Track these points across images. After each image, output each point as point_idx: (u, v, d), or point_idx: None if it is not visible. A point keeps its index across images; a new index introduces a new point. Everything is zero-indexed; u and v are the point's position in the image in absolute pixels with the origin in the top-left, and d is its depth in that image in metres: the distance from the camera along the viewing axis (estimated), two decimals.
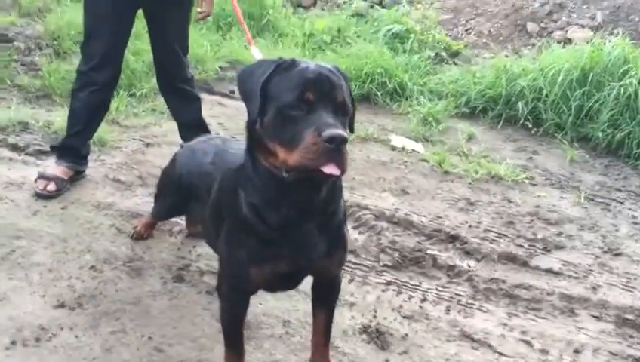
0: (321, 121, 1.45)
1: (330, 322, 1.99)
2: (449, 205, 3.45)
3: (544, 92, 4.72)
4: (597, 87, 4.63)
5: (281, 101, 1.51)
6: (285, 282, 1.82)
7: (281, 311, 2.38)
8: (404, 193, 3.52)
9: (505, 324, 2.44)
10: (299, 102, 1.48)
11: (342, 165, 1.44)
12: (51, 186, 3.02)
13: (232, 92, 4.97)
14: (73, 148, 3.15)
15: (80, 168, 3.22)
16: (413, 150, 4.19)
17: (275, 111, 1.51)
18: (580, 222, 3.38)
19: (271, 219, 1.64)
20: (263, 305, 2.41)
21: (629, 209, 3.60)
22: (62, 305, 2.31)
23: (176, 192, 2.29)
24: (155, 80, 3.94)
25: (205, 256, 2.70)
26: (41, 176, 3.07)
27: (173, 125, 4.07)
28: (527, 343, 2.34)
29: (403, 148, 4.17)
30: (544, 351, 2.30)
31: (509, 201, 3.56)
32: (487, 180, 3.80)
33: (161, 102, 4.40)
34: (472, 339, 2.33)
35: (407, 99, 4.98)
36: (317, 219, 1.68)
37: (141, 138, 3.90)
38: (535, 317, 2.50)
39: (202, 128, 3.43)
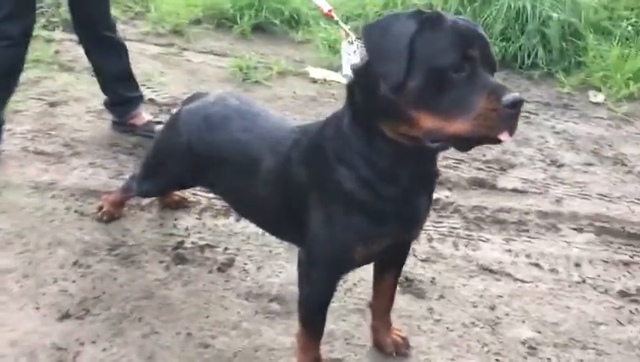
0: (490, 83, 1.31)
1: (397, 285, 1.92)
2: None
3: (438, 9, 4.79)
4: (487, 2, 4.81)
5: (439, 62, 1.31)
6: (379, 256, 1.70)
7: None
8: None
9: (509, 251, 2.54)
10: (462, 61, 1.31)
11: (515, 130, 1.32)
12: None
13: None
14: None
15: None
16: (333, 80, 4.07)
17: (428, 74, 1.31)
18: (514, 137, 3.56)
19: (388, 192, 1.49)
20: (278, 276, 2.25)
21: (545, 119, 3.87)
22: (66, 316, 1.96)
23: (185, 164, 1.99)
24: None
25: (194, 229, 2.44)
26: None
27: (70, 78, 3.58)
28: (537, 265, 2.47)
29: (325, 80, 4.04)
30: (553, 270, 2.45)
31: None
32: None
33: (42, 50, 3.80)
34: (491, 271, 2.40)
35: (306, 25, 4.80)
36: (428, 188, 1.56)
37: (40, 96, 3.35)
38: (529, 239, 2.63)
39: (132, 80, 3.02)
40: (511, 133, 1.31)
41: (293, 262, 2.23)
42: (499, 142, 1.32)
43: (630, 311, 2.28)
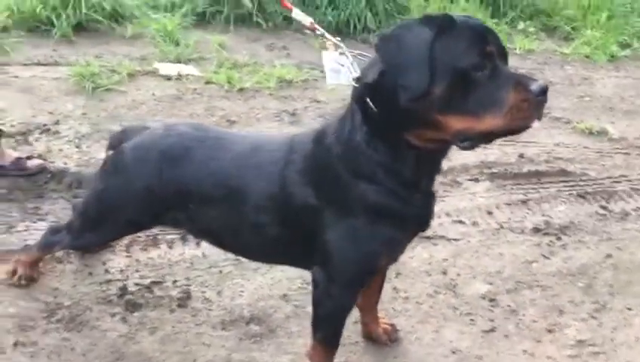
0: (513, 75, 1.34)
1: (384, 279, 1.95)
2: (278, 122, 3.42)
3: None
4: None
5: (461, 64, 1.31)
6: None
7: (268, 289, 2.19)
8: (232, 123, 3.34)
9: None
10: (483, 60, 1.33)
11: (542, 115, 1.37)
12: None
13: None
14: None
15: None
16: (188, 74, 3.89)
17: (452, 78, 1.31)
18: None
19: (413, 198, 1.50)
20: (242, 296, 2.16)
21: None
22: None
23: (144, 208, 1.78)
24: None
25: (129, 269, 2.23)
26: None
27: None
28: (460, 222, 2.67)
29: (180, 75, 3.84)
30: (475, 223, 2.67)
31: (318, 102, 3.70)
32: (281, 87, 3.83)
33: None
34: (427, 237, 2.52)
35: (133, 18, 4.48)
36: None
37: None
38: (441, 198, 2.80)
39: None
40: (539, 119, 1.37)
41: (248, 278, 2.19)
42: (526, 129, 1.38)
43: (547, 244, 2.58)
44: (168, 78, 3.80)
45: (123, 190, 1.78)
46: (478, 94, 1.33)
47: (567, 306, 2.24)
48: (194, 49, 4.20)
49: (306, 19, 1.72)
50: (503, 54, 1.40)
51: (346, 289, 1.62)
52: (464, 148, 1.41)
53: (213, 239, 1.82)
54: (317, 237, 1.56)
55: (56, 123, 3.16)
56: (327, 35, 1.65)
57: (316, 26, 1.72)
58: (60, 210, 2.51)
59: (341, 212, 1.52)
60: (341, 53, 1.56)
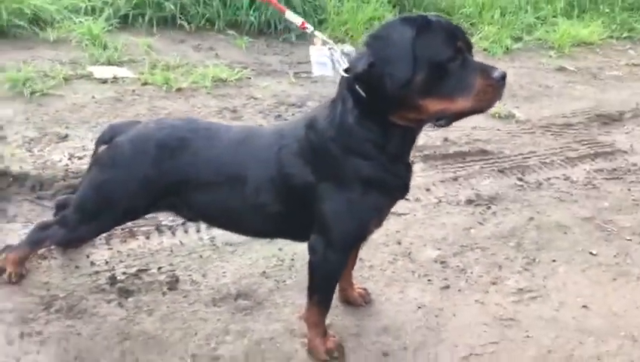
0: (478, 64, 1.63)
1: (359, 248, 2.21)
2: (220, 119, 3.59)
3: None
4: None
5: (438, 57, 1.59)
6: None
7: (248, 269, 2.39)
8: None
9: None
10: (455, 54, 1.61)
11: (502, 97, 1.67)
12: None
13: None
14: None
15: None
16: (124, 77, 3.96)
17: (431, 68, 1.58)
18: (320, 96, 4.01)
19: (397, 169, 1.76)
20: (225, 276, 2.34)
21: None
22: None
23: (141, 197, 1.92)
24: None
25: (114, 260, 2.35)
26: None
27: None
28: (406, 199, 2.93)
29: (115, 78, 3.90)
30: (417, 199, 2.99)
31: (255, 99, 3.91)
32: (217, 86, 4.00)
33: None
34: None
35: (55, 22, 4.46)
36: None
37: None
38: None
39: None
40: (500, 99, 1.68)
41: (227, 260, 2.38)
42: (490, 108, 1.69)
43: (480, 213, 2.95)
44: (104, 80, 3.86)
45: (122, 181, 1.91)
46: (452, 81, 1.62)
47: (504, 262, 2.60)
48: (123, 52, 4.25)
49: (298, 20, 1.94)
50: (469, 47, 1.70)
51: (341, 253, 1.86)
52: (440, 126, 1.70)
53: (210, 220, 2.01)
54: (316, 210, 1.79)
55: (1, 128, 3.15)
56: (316, 32, 1.88)
57: (307, 24, 1.94)
58: (27, 212, 2.57)
59: (338, 186, 1.76)
60: (329, 48, 1.79)
